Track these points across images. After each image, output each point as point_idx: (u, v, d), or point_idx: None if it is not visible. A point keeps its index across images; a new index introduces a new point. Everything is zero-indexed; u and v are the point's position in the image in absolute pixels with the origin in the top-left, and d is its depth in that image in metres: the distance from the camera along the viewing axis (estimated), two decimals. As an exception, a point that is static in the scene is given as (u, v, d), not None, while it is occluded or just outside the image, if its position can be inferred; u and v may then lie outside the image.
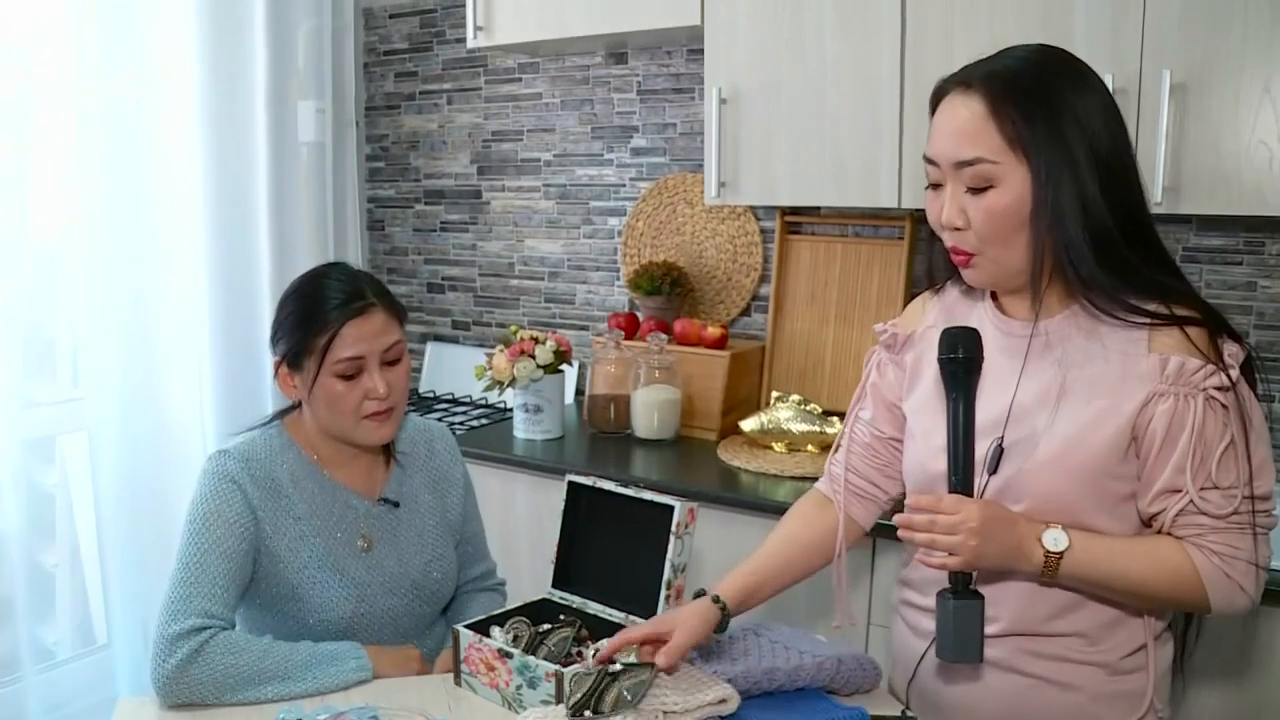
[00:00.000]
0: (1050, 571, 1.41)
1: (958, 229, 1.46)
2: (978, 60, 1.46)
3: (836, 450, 1.75)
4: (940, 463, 1.48)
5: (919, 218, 2.84)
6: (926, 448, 1.55)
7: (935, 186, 1.48)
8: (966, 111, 1.42)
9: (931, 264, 1.63)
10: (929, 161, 1.47)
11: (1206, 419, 1.37)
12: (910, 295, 2.84)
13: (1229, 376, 1.38)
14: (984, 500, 1.43)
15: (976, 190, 1.43)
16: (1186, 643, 1.60)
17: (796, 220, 3.03)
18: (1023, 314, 1.50)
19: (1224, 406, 1.38)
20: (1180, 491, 1.39)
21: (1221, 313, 1.45)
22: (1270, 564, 1.45)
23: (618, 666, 1.46)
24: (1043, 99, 1.38)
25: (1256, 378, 1.46)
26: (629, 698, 1.42)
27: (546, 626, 1.67)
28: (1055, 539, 1.40)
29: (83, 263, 2.85)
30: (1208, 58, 2.11)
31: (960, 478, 1.44)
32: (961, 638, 1.42)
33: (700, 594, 1.58)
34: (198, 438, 3.10)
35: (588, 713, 1.41)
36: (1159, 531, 1.43)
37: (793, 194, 2.67)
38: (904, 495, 1.69)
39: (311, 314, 1.76)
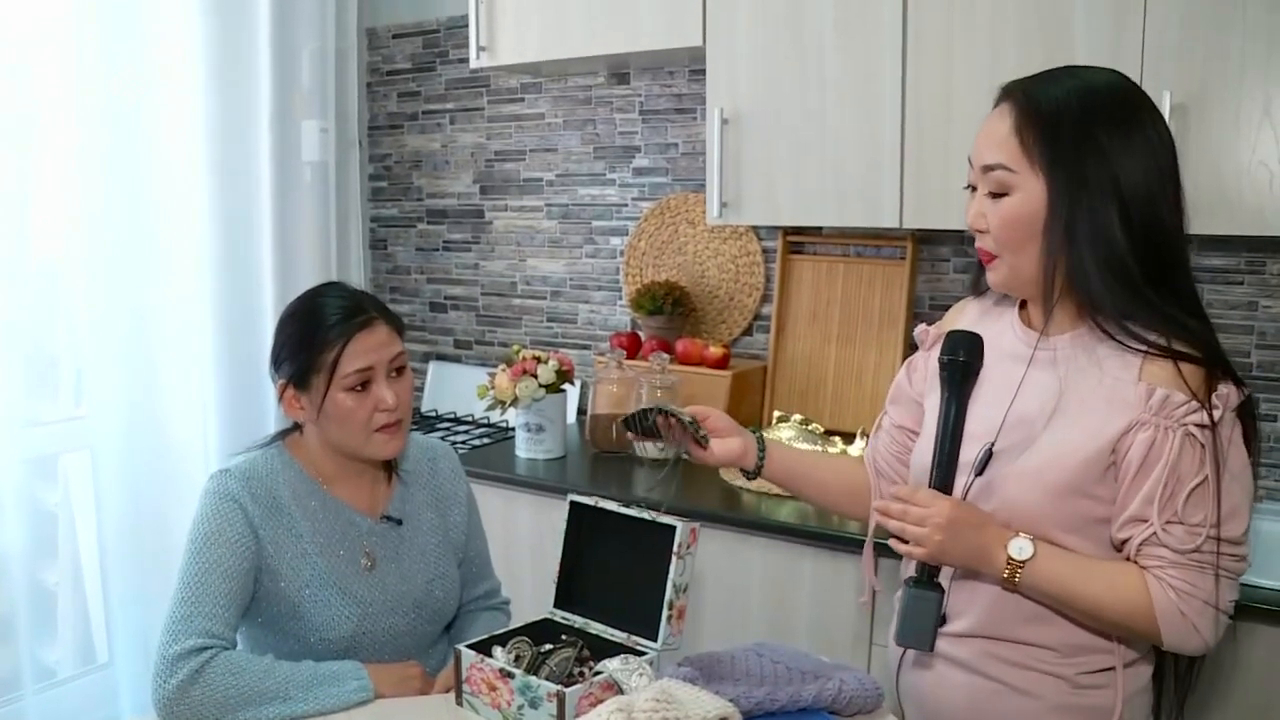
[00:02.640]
0: (1011, 579, 1.45)
1: (979, 231, 1.52)
2: (1038, 74, 1.51)
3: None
4: None
5: (921, 237, 2.85)
6: (929, 443, 1.58)
7: (973, 188, 1.54)
8: (999, 121, 1.48)
9: (978, 270, 1.65)
10: (969, 163, 1.54)
11: (1183, 454, 1.39)
12: (912, 314, 2.85)
13: (1211, 416, 1.39)
14: (957, 500, 1.48)
15: (996, 195, 1.48)
16: (1192, 680, 1.60)
17: (798, 240, 3.04)
18: (1040, 326, 1.54)
19: (1201, 445, 1.39)
20: (1146, 521, 1.41)
21: (1227, 357, 1.46)
22: (1232, 610, 1.45)
23: (548, 647, 1.66)
24: (1069, 127, 1.42)
25: (1256, 426, 1.48)
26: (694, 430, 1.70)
27: (548, 646, 1.67)
28: (1020, 548, 1.45)
29: (85, 281, 2.85)
30: (1207, 79, 2.12)
31: (940, 475, 1.51)
32: (914, 626, 1.50)
33: (759, 434, 1.78)
34: (200, 457, 3.10)
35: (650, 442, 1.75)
36: (1126, 559, 1.46)
37: (794, 214, 2.68)
38: None
39: (314, 332, 1.77)
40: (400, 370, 1.83)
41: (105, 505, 2.94)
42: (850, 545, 2.30)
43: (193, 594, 1.68)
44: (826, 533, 2.34)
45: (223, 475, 1.80)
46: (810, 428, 2.70)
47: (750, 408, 3.01)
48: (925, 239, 2.86)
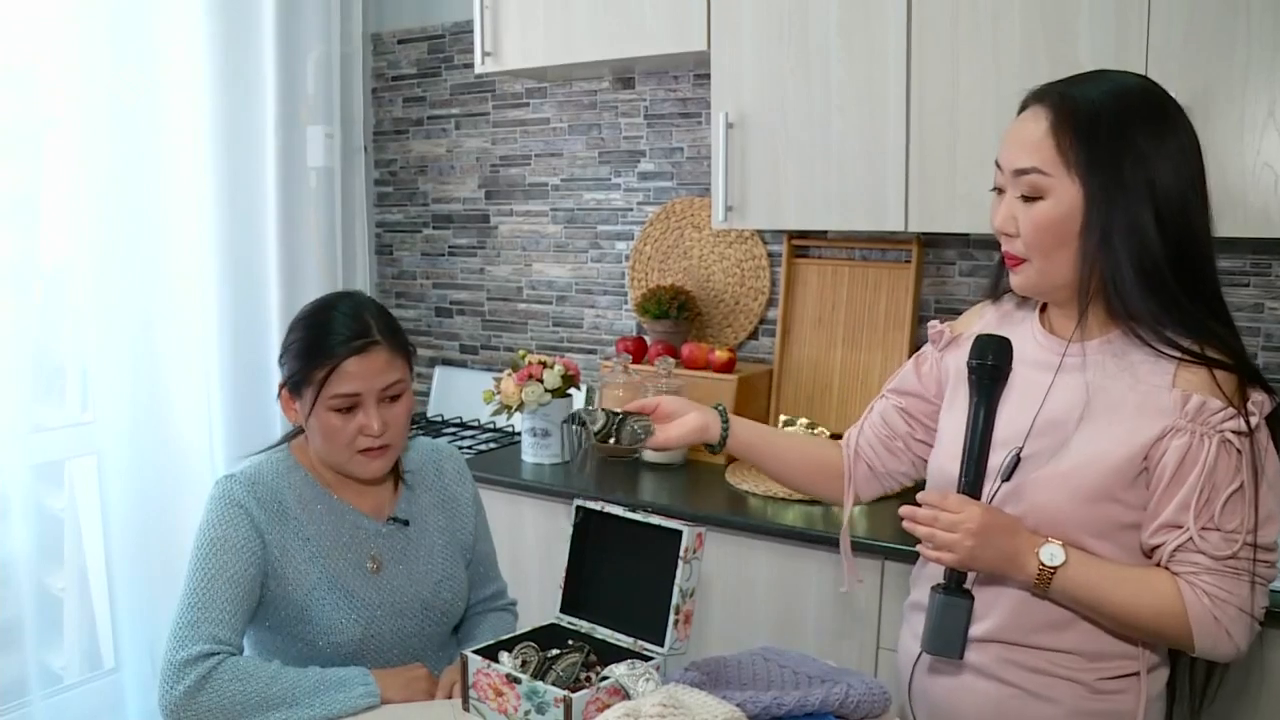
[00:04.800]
0: (1042, 585, 1.44)
1: (1008, 235, 1.50)
2: (1069, 76, 1.49)
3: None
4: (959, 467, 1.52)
5: (926, 240, 2.84)
6: (951, 451, 1.56)
7: (1000, 191, 1.51)
8: (1033, 124, 1.46)
9: (997, 274, 1.64)
10: (997, 166, 1.52)
11: (1219, 460, 1.38)
12: (918, 318, 2.85)
13: (1248, 423, 1.39)
14: (988, 506, 1.47)
15: (1028, 199, 1.45)
16: (1207, 692, 1.59)
17: (804, 244, 3.04)
18: (1065, 331, 1.52)
19: (1238, 451, 1.38)
20: (1181, 528, 1.40)
21: (1256, 366, 1.45)
22: (1263, 616, 1.44)
23: (619, 410, 1.70)
24: (1106, 128, 1.40)
25: None
26: (641, 435, 1.70)
27: (555, 651, 1.67)
28: (1052, 554, 1.43)
29: (92, 287, 2.86)
30: (1211, 82, 2.11)
31: (970, 480, 1.49)
32: (944, 633, 1.48)
33: (720, 408, 1.77)
34: (206, 461, 3.11)
35: (612, 440, 1.69)
36: (1157, 565, 1.44)
37: (800, 217, 2.68)
38: (912, 481, 1.81)
39: (315, 345, 1.76)
40: (395, 397, 1.81)
41: (111, 510, 2.94)
42: (857, 550, 2.29)
43: (199, 600, 1.68)
44: (833, 537, 2.34)
45: (228, 481, 1.80)
46: (816, 431, 2.70)
47: (756, 411, 3.01)
48: (930, 242, 2.86)
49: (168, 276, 3.02)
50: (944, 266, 2.87)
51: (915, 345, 2.85)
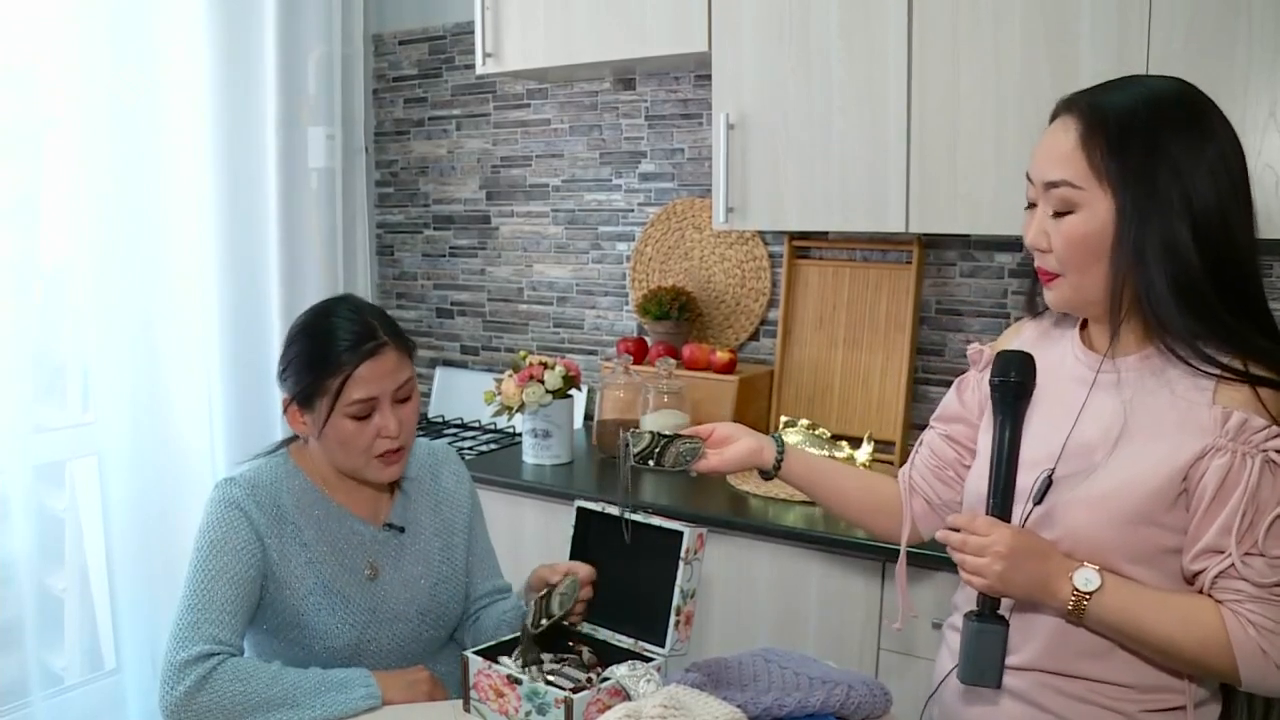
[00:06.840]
0: (1077, 611, 1.37)
1: (1040, 250, 1.45)
2: (1099, 84, 1.45)
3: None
4: None
5: (927, 241, 2.84)
6: (984, 469, 1.51)
7: (1032, 206, 1.46)
8: (1063, 135, 1.41)
9: (1032, 290, 1.59)
10: (1029, 179, 1.47)
11: (1262, 481, 1.31)
12: (919, 319, 2.85)
13: None
14: (1019, 528, 1.40)
15: (1060, 214, 1.41)
16: None
17: (804, 245, 3.04)
18: (1105, 348, 1.47)
19: None
20: (1223, 552, 1.33)
21: None
22: None
23: (669, 432, 1.68)
24: (1138, 138, 1.35)
25: None
26: (687, 459, 1.67)
27: (554, 658, 1.67)
28: (1087, 579, 1.36)
29: (93, 287, 2.86)
30: (1212, 83, 2.08)
31: (998, 501, 1.42)
32: (980, 661, 1.40)
33: (778, 438, 1.73)
34: (207, 462, 3.11)
35: (651, 462, 1.67)
36: (1199, 592, 1.38)
37: (801, 218, 2.67)
38: None
39: (323, 355, 1.75)
40: (406, 398, 1.81)
41: (112, 511, 2.94)
42: (858, 550, 2.30)
43: (199, 601, 1.68)
44: (834, 538, 2.34)
45: (227, 484, 1.80)
46: (817, 432, 2.70)
47: (757, 412, 3.01)
48: (931, 243, 2.86)
49: (168, 276, 3.02)
50: (945, 267, 2.87)
51: (915, 346, 2.85)
